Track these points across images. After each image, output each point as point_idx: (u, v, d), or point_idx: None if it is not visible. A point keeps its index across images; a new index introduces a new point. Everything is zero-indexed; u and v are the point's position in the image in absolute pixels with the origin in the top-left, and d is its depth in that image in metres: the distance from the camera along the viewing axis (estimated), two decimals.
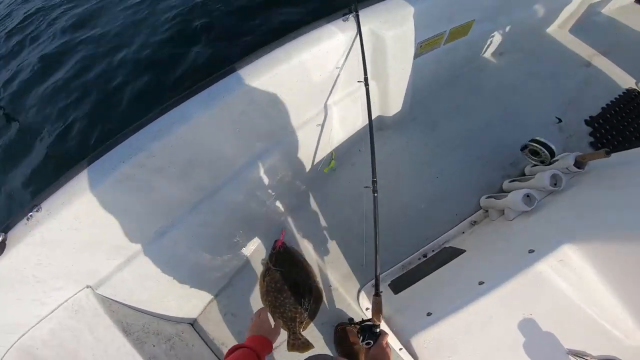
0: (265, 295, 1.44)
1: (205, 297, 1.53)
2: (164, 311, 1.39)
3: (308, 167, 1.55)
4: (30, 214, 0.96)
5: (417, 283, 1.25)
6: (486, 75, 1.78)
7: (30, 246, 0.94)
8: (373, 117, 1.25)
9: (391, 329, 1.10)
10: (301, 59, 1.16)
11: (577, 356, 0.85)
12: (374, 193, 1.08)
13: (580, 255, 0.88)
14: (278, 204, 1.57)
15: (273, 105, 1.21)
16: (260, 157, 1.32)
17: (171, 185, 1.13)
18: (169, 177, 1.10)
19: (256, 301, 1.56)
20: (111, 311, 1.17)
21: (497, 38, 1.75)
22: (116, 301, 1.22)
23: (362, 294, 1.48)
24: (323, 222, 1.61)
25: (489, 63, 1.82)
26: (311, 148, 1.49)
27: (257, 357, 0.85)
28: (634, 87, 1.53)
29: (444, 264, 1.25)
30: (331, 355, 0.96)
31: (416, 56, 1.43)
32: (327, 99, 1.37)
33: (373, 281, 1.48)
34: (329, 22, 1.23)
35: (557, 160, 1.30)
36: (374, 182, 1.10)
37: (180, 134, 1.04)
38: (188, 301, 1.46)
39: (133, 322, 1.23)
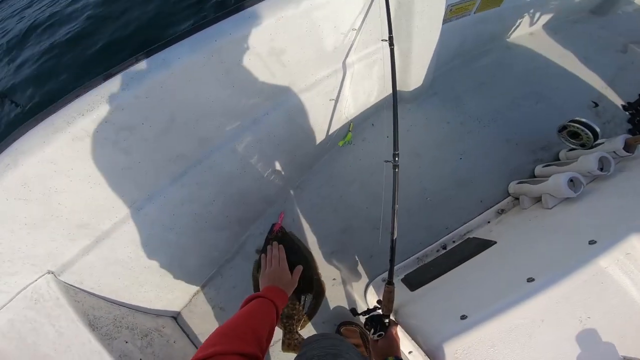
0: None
1: (190, 287, 1.33)
2: (141, 302, 1.19)
3: (314, 138, 1.34)
4: None
5: (438, 278, 1.08)
6: (515, 53, 1.59)
7: None
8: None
9: (406, 331, 0.94)
10: (313, 2, 0.95)
11: None
12: (394, 168, 0.95)
13: None
14: (277, 180, 1.36)
15: (276, 58, 1.00)
16: (258, 120, 1.11)
17: (146, 149, 0.92)
18: (143, 139, 0.89)
19: (249, 293, 1.38)
20: (76, 301, 0.97)
21: (528, 16, 1.58)
22: (82, 290, 1.02)
23: (371, 289, 1.29)
24: (328, 205, 1.41)
25: (519, 41, 1.63)
26: (319, 116, 1.27)
27: (275, 309, 0.80)
28: None
29: (470, 258, 1.09)
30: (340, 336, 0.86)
31: (444, 21, 1.24)
32: (345, 58, 1.16)
33: (383, 275, 1.32)
34: None
35: (599, 144, 1.14)
36: (395, 156, 0.94)
37: (158, 83, 0.82)
38: (170, 292, 1.26)
39: (102, 314, 1.03)
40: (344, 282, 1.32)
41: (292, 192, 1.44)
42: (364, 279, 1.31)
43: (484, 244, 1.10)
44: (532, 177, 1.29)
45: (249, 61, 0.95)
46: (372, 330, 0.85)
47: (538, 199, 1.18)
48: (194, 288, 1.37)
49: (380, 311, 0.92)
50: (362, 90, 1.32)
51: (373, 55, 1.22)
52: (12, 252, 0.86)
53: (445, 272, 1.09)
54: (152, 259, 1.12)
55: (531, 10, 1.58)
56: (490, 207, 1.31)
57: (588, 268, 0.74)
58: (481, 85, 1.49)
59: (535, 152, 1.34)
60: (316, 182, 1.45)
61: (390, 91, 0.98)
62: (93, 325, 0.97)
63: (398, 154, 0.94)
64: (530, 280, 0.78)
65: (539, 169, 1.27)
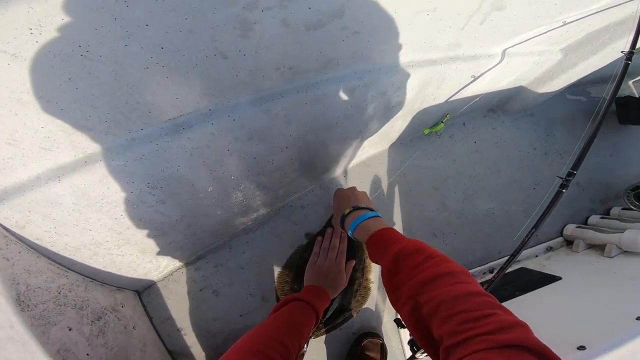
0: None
1: (177, 256, 0.91)
2: (104, 267, 0.73)
3: (422, 112, 1.02)
4: None
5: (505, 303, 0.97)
6: None
7: None
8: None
9: None
10: None
11: None
12: (562, 188, 0.77)
13: None
14: (356, 146, 1.00)
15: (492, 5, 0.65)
16: (385, 70, 0.73)
17: (276, 37, 0.47)
18: (283, 20, 0.45)
19: (262, 280, 1.02)
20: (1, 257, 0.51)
21: None
22: (19, 238, 0.56)
23: None
24: (395, 192, 1.15)
25: None
26: (444, 92, 0.95)
27: (315, 318, 0.67)
28: None
29: (535, 289, 1.02)
30: None
31: None
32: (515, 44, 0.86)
33: None
34: None
35: None
36: (571, 175, 0.74)
37: None
38: (149, 258, 0.81)
39: (40, 283, 0.59)
40: (373, 290, 1.07)
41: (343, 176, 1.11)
42: None
43: (548, 278, 1.05)
44: (585, 224, 1.30)
45: None
46: (422, 350, 0.68)
47: (592, 246, 1.19)
48: (183, 258, 0.94)
49: None
50: (494, 83, 1.03)
51: (539, 56, 0.94)
52: None
53: (510, 297, 1.00)
54: (160, 208, 0.66)
55: None
56: (542, 243, 1.27)
57: None
58: (576, 123, 1.42)
59: (594, 202, 1.35)
60: (377, 169, 1.15)
61: None
62: (22, 300, 0.54)
63: (576, 173, 0.74)
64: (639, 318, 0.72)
65: (594, 219, 1.29)
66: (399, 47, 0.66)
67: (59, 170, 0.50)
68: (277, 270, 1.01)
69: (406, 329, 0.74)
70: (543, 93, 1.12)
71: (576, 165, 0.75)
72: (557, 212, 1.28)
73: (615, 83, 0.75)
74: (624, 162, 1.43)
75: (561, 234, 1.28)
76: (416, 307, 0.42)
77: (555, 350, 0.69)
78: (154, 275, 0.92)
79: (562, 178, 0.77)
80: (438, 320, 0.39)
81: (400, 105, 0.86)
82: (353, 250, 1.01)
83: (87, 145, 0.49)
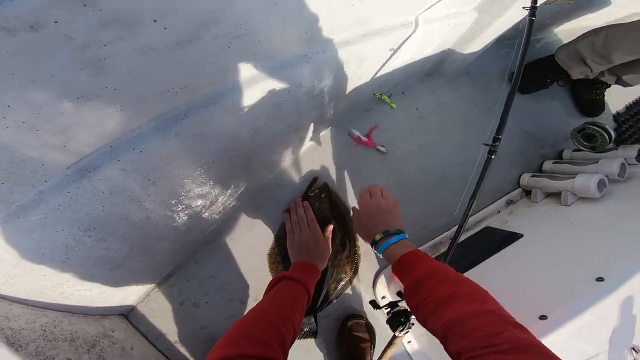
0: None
1: (144, 280, 0.96)
2: (78, 302, 0.78)
3: (352, 92, 1.03)
4: None
5: (469, 271, 1.02)
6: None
7: None
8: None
9: None
10: None
11: None
12: (489, 154, 0.81)
13: None
14: (291, 141, 1.03)
15: None
16: (307, 58, 0.73)
17: (144, 63, 0.48)
18: (145, 45, 0.45)
19: (237, 286, 1.07)
20: None
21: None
22: None
23: (381, 280, 1.16)
24: (345, 174, 1.18)
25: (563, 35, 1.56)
26: (369, 69, 0.96)
27: (306, 294, 0.69)
28: None
29: (499, 250, 1.06)
30: None
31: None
32: (423, 12, 0.85)
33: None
34: None
35: (609, 149, 1.23)
36: (496, 140, 0.80)
37: None
38: (122, 288, 0.85)
39: (23, 325, 0.64)
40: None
41: (294, 162, 1.13)
42: (373, 266, 1.16)
43: (511, 237, 1.08)
44: (540, 172, 1.33)
45: None
46: (401, 328, 0.74)
47: (550, 194, 1.23)
48: (155, 278, 0.97)
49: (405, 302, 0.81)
50: (420, 51, 1.03)
51: (455, 18, 0.93)
52: None
53: (476, 263, 1.03)
54: (102, 245, 0.69)
55: None
56: (501, 197, 1.31)
57: None
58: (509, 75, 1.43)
59: (543, 147, 1.38)
60: (331, 146, 1.18)
61: None
62: (12, 342, 0.59)
63: (500, 138, 0.77)
64: (599, 279, 0.77)
65: (548, 165, 1.32)
66: (300, 35, 0.66)
67: (10, 215, 0.53)
68: (248, 271, 1.06)
69: (383, 309, 0.79)
70: (470, 53, 1.11)
71: (499, 129, 0.78)
72: (510, 162, 1.33)
73: (523, 41, 0.76)
74: (567, 105, 1.46)
75: (519, 185, 1.32)
76: (432, 327, 0.51)
77: (518, 320, 0.74)
78: (130, 300, 0.97)
79: (488, 145, 0.79)
80: (453, 337, 0.46)
81: (324, 92, 0.87)
82: (342, 219, 1.07)
83: None
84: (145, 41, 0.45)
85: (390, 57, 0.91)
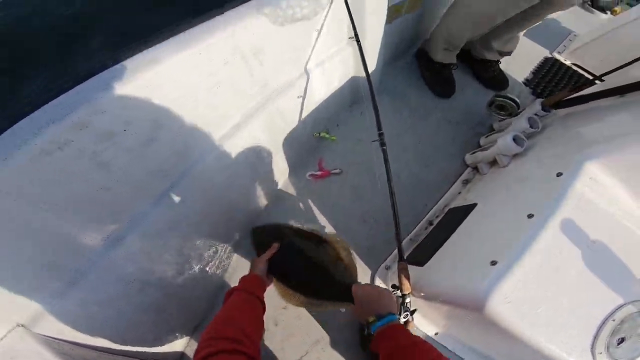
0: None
1: (190, 322, 1.13)
2: (139, 347, 0.93)
3: (290, 141, 1.28)
4: None
5: (442, 247, 1.12)
6: None
7: None
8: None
9: (434, 299, 0.97)
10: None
11: None
12: (382, 146, 0.97)
13: (602, 170, 0.91)
14: (260, 191, 1.24)
15: (255, 55, 0.93)
16: (240, 126, 1.00)
17: (129, 161, 0.74)
18: (125, 148, 0.72)
19: None
20: (62, 354, 0.71)
21: None
22: (65, 340, 0.75)
23: (377, 281, 1.25)
24: (313, 207, 1.35)
25: None
26: (292, 118, 1.22)
27: (256, 298, 0.75)
28: (549, 55, 1.87)
29: (462, 222, 1.17)
30: None
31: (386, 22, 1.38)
32: (308, 60, 1.15)
33: (385, 262, 1.29)
34: None
35: (522, 111, 1.42)
36: (380, 135, 0.98)
37: (144, 83, 0.70)
38: (168, 330, 1.02)
39: None
40: None
41: (274, 201, 1.33)
42: (365, 272, 1.26)
43: (467, 209, 1.21)
44: (479, 147, 1.51)
45: (234, 61, 0.87)
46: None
47: (493, 163, 1.38)
48: (194, 323, 1.13)
49: (398, 293, 0.89)
50: (325, 92, 1.33)
51: (336, 56, 1.24)
52: None
53: (446, 240, 1.14)
54: (142, 296, 0.86)
55: None
56: (456, 180, 1.46)
57: (570, 195, 0.87)
58: (419, 79, 1.72)
59: (474, 128, 1.58)
60: (295, 187, 1.38)
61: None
62: None
63: (383, 133, 0.97)
64: (530, 216, 0.88)
65: (483, 140, 1.50)
66: (224, 115, 0.93)
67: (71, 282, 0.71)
68: None
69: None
70: (372, 74, 1.39)
71: (379, 125, 0.97)
72: (452, 149, 1.51)
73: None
74: (477, 88, 1.71)
75: (467, 166, 1.48)
76: None
77: (474, 269, 0.83)
78: (178, 345, 1.08)
79: (377, 140, 0.97)
80: None
81: (263, 149, 1.11)
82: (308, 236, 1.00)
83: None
84: (126, 144, 0.70)
85: (303, 102, 1.18)
